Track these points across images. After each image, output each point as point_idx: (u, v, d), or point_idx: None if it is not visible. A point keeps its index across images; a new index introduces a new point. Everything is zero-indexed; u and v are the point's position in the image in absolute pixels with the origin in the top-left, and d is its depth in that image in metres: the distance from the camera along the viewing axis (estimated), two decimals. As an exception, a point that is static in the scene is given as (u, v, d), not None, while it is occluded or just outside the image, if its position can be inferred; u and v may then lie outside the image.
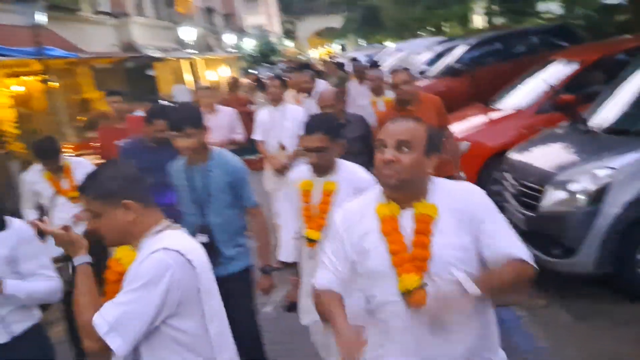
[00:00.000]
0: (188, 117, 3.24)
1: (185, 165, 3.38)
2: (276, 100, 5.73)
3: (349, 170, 3.04)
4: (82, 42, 16.23)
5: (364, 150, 4.34)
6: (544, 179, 4.37)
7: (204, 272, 2.03)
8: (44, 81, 10.16)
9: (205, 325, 2.01)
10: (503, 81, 7.92)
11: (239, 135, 6.37)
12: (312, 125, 3.07)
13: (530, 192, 4.47)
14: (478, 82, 9.99)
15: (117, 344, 1.84)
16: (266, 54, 41.46)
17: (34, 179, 4.60)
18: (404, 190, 1.92)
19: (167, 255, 1.90)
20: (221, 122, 6.11)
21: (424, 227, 1.91)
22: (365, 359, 1.91)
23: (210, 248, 3.11)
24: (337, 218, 2.14)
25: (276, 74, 6.38)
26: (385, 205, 1.98)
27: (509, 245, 1.89)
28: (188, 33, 22.68)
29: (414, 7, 21.45)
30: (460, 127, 6.63)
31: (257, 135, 5.78)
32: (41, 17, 9.78)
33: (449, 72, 11.01)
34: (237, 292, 3.18)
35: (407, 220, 1.93)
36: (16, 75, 11.20)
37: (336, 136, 3.06)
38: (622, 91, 4.97)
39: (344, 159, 3.27)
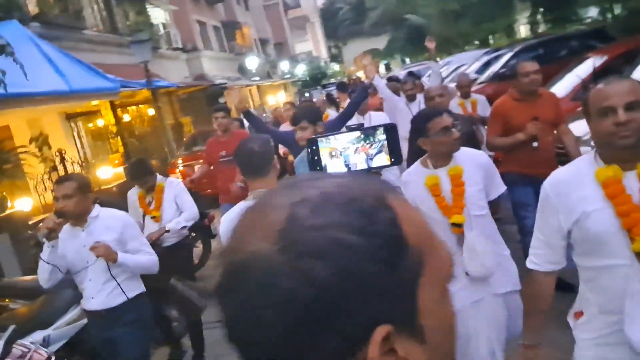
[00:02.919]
0: (304, 114, 4.02)
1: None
2: (363, 110, 6.46)
3: (464, 152, 3.08)
4: (164, 75, 18.43)
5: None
6: (576, 142, 5.76)
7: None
8: (157, 107, 12.12)
9: None
10: (547, 82, 9.20)
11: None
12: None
13: (563, 157, 5.81)
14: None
15: None
16: (316, 78, 43.51)
17: (132, 198, 4.95)
18: (636, 149, 1.87)
19: None
20: None
21: None
22: (592, 328, 2.00)
23: None
24: (546, 187, 2.08)
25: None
26: (606, 169, 1.91)
27: None
28: (252, 62, 24.75)
29: (459, 23, 22.66)
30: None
31: None
32: (149, 56, 11.80)
33: (497, 77, 12.27)
34: None
35: (632, 182, 1.87)
36: (124, 105, 13.27)
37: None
38: (632, 76, 6.38)
39: None
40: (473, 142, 4.68)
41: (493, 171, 3.08)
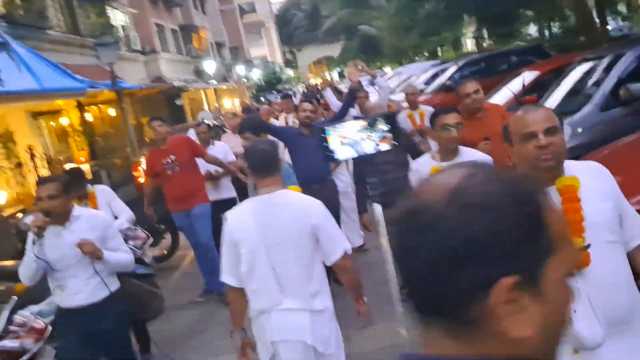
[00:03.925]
0: (249, 126, 4.74)
1: None
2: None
3: (469, 152, 3.36)
4: (122, 76, 18.68)
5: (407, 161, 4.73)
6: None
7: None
8: (121, 108, 12.49)
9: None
10: (488, 93, 10.09)
11: None
12: None
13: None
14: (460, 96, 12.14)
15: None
16: (271, 83, 44.07)
17: None
18: (557, 169, 2.05)
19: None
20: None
21: (571, 195, 2.02)
22: None
23: None
24: None
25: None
26: None
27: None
28: (209, 66, 25.12)
29: (409, 35, 23.72)
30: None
31: None
32: (115, 58, 12.18)
33: (443, 88, 13.07)
34: None
35: (554, 196, 2.01)
36: (87, 105, 13.56)
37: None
38: (557, 90, 7.33)
39: (385, 169, 4.34)
40: (415, 154, 4.80)
41: None
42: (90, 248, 3.39)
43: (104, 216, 3.84)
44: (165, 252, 7.77)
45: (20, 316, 4.31)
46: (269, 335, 2.84)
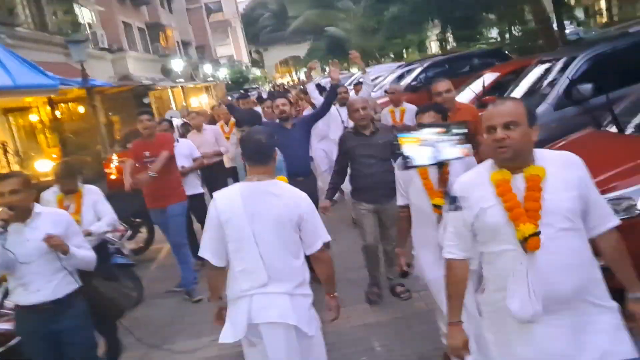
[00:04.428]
0: (248, 120, 5.11)
1: None
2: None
3: None
4: (90, 74, 18.61)
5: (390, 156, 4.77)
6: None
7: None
8: (92, 105, 12.55)
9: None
10: (452, 93, 10.53)
11: (223, 148, 7.78)
12: None
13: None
14: (431, 95, 12.59)
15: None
16: (238, 82, 44.10)
17: (49, 199, 4.76)
18: (516, 160, 2.19)
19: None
20: (208, 138, 7.65)
21: (534, 184, 2.17)
22: (490, 302, 2.34)
23: None
24: (456, 189, 2.42)
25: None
26: (498, 172, 2.24)
27: (609, 214, 2.29)
28: (176, 64, 25.11)
29: (375, 37, 24.18)
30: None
31: None
32: (85, 56, 12.24)
33: (409, 88, 13.51)
34: None
35: (519, 183, 2.20)
36: (57, 102, 13.55)
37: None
38: (516, 90, 7.83)
39: (368, 163, 4.56)
40: (394, 149, 4.72)
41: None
42: (57, 241, 3.41)
43: (66, 214, 3.84)
44: (142, 245, 7.97)
45: (11, 301, 4.50)
46: (250, 317, 2.86)
